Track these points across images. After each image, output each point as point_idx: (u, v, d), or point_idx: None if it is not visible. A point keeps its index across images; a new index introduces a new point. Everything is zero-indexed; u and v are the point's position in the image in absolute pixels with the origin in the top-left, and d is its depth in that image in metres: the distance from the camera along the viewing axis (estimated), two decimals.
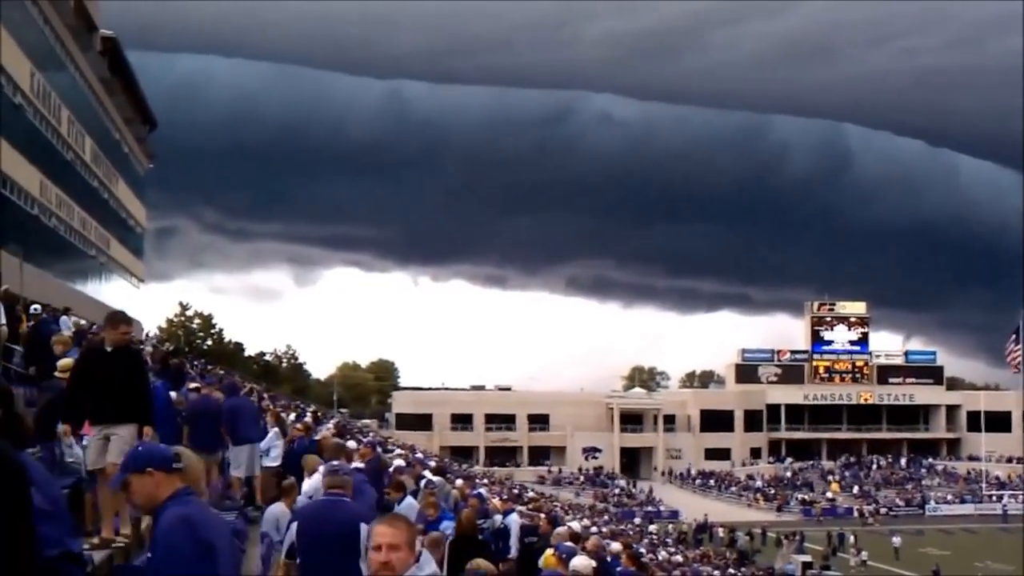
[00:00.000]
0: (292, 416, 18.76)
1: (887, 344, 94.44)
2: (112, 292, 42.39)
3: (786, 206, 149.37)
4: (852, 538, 49.20)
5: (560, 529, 12.27)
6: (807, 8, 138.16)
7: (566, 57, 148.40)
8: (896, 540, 47.61)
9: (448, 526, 9.00)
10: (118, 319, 6.72)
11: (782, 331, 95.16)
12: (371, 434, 38.62)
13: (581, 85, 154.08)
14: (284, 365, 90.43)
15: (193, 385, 12.56)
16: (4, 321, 12.84)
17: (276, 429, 12.12)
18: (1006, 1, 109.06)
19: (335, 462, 8.37)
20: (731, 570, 37.20)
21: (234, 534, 5.50)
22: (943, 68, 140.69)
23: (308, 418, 19.48)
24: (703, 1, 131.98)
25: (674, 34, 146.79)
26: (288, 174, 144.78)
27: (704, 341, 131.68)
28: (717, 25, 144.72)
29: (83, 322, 25.44)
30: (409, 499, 9.43)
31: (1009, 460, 75.59)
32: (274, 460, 11.09)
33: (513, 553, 11.11)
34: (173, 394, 11.52)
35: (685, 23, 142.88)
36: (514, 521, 11.93)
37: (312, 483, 8.35)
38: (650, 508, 63.20)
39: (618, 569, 12.16)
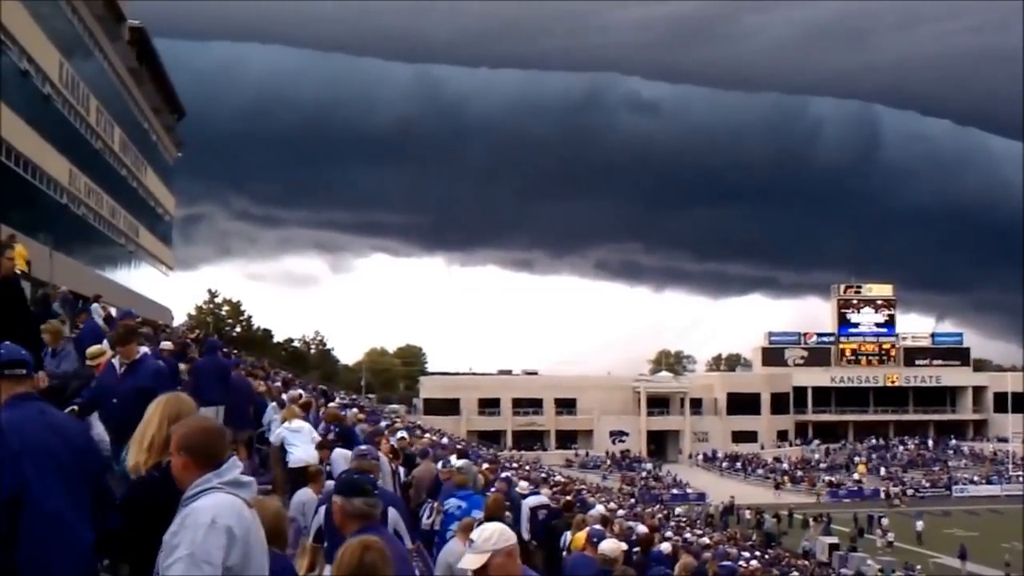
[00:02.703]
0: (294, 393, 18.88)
1: (919, 326, 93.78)
2: (141, 279, 43.01)
3: (817, 188, 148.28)
4: (886, 520, 48.95)
5: (592, 512, 12.30)
6: None
7: (598, 43, 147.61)
8: (919, 524, 47.25)
9: (466, 494, 9.07)
10: None
11: (814, 314, 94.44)
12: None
13: (613, 70, 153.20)
14: (312, 351, 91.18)
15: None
16: None
17: (274, 403, 12.27)
18: None
19: (363, 447, 8.68)
20: (758, 552, 37.21)
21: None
22: (971, 51, 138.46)
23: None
24: None
25: (705, 19, 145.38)
26: (317, 161, 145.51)
27: (736, 325, 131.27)
28: (748, 11, 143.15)
29: (113, 310, 25.88)
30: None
31: None
32: (277, 436, 10.94)
33: (525, 536, 11.15)
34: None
35: (716, 8, 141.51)
36: (526, 504, 11.90)
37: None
38: (677, 491, 63.28)
39: (654, 551, 12.30)
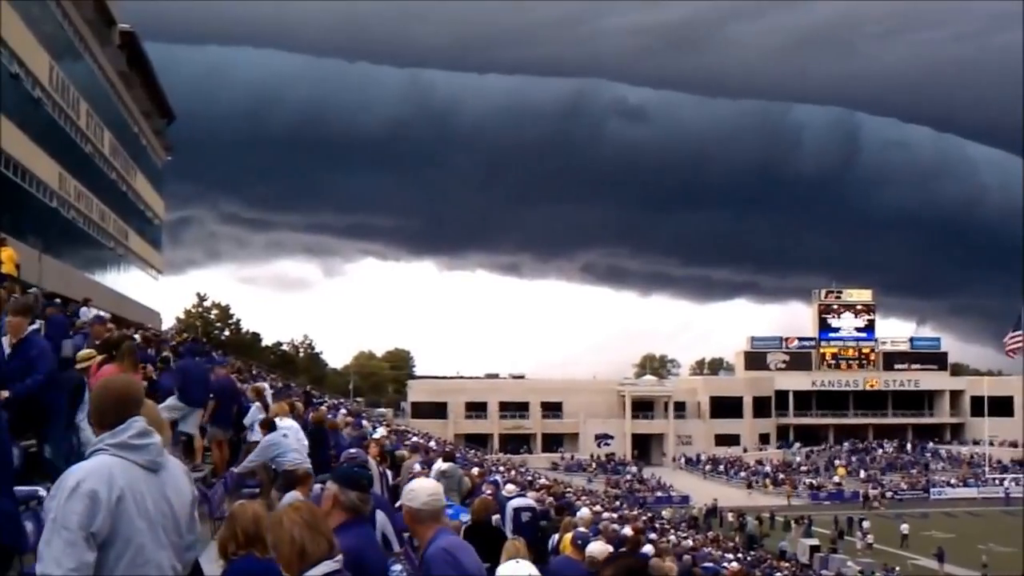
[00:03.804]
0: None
1: (900, 330, 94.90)
2: (130, 283, 43.10)
3: (801, 194, 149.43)
4: (867, 523, 49.50)
5: (581, 514, 12.48)
6: (821, 2, 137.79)
7: (586, 50, 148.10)
8: (904, 528, 47.66)
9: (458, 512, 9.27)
10: None
11: (797, 318, 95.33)
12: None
13: (600, 76, 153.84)
14: (301, 355, 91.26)
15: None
16: None
17: (258, 404, 12.39)
18: None
19: (352, 450, 8.96)
20: (740, 554, 37.77)
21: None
22: (953, 60, 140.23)
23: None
24: None
25: (691, 27, 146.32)
26: (306, 164, 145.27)
27: (721, 329, 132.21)
28: (733, 20, 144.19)
29: (102, 312, 26.01)
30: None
31: (1012, 444, 76.31)
32: (258, 434, 11.09)
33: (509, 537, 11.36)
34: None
35: (703, 17, 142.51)
36: (510, 505, 12.13)
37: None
38: (661, 494, 63.85)
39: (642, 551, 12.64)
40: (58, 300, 17.74)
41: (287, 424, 9.90)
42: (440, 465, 12.99)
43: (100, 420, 2.94)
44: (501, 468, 36.40)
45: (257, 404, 12.37)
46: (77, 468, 2.80)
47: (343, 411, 27.30)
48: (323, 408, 21.50)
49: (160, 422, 3.77)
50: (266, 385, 18.11)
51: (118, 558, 2.73)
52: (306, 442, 9.84)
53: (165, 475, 2.96)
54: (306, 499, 7.39)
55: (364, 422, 26.40)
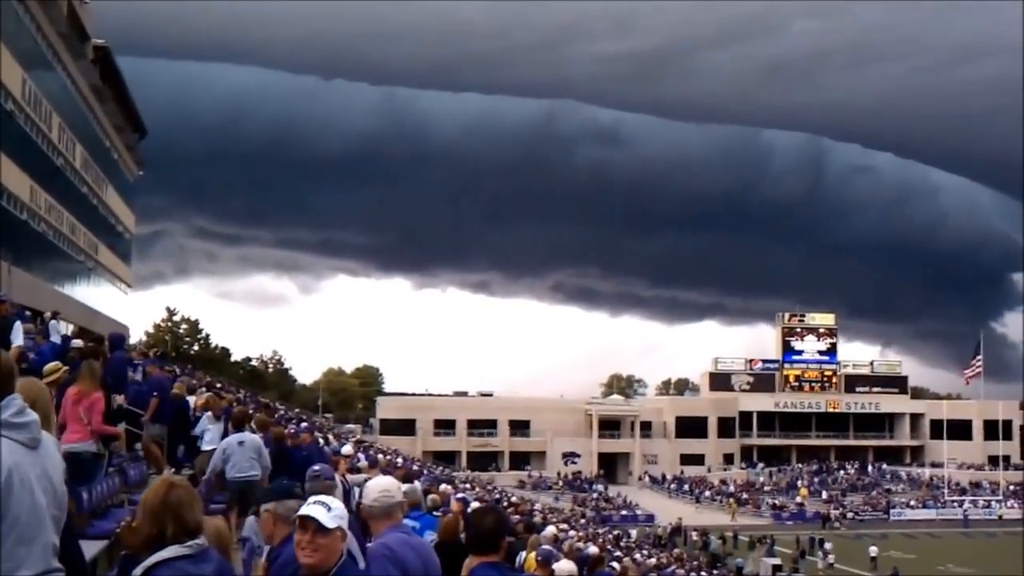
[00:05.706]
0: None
1: (864, 354, 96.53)
2: (100, 296, 42.91)
3: (768, 218, 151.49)
4: (827, 544, 50.01)
5: (547, 531, 12.78)
6: (789, 33, 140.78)
7: (560, 74, 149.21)
8: (873, 550, 47.36)
9: (418, 515, 9.41)
10: None
11: (764, 341, 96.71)
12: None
13: (572, 98, 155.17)
14: (270, 370, 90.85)
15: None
16: None
17: (209, 413, 12.36)
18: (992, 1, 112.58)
19: (317, 466, 9.13)
20: (704, 572, 38.33)
21: None
22: (915, 90, 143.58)
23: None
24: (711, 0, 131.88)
25: (664, 55, 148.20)
26: (279, 180, 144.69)
27: (689, 350, 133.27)
28: (704, 48, 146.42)
29: (71, 326, 26.03)
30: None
31: (970, 467, 78.17)
32: (210, 443, 11.22)
33: None
34: None
35: (675, 45, 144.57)
36: None
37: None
38: (626, 512, 64.30)
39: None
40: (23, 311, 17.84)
41: (247, 435, 9.75)
42: (401, 485, 13.15)
43: None
44: (468, 485, 36.70)
45: (208, 414, 12.31)
46: None
47: (303, 425, 27.40)
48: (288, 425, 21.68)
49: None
50: (213, 395, 18.20)
51: (5, 537, 2.71)
52: (268, 462, 9.61)
53: (43, 450, 2.94)
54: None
55: (317, 434, 26.46)
